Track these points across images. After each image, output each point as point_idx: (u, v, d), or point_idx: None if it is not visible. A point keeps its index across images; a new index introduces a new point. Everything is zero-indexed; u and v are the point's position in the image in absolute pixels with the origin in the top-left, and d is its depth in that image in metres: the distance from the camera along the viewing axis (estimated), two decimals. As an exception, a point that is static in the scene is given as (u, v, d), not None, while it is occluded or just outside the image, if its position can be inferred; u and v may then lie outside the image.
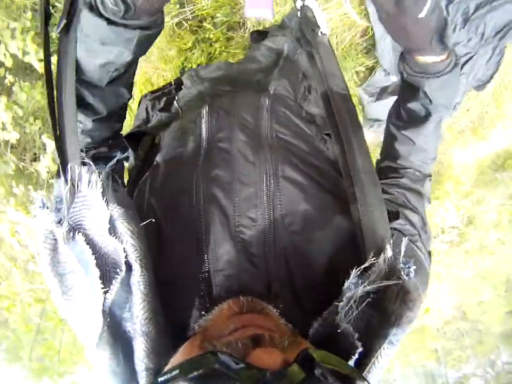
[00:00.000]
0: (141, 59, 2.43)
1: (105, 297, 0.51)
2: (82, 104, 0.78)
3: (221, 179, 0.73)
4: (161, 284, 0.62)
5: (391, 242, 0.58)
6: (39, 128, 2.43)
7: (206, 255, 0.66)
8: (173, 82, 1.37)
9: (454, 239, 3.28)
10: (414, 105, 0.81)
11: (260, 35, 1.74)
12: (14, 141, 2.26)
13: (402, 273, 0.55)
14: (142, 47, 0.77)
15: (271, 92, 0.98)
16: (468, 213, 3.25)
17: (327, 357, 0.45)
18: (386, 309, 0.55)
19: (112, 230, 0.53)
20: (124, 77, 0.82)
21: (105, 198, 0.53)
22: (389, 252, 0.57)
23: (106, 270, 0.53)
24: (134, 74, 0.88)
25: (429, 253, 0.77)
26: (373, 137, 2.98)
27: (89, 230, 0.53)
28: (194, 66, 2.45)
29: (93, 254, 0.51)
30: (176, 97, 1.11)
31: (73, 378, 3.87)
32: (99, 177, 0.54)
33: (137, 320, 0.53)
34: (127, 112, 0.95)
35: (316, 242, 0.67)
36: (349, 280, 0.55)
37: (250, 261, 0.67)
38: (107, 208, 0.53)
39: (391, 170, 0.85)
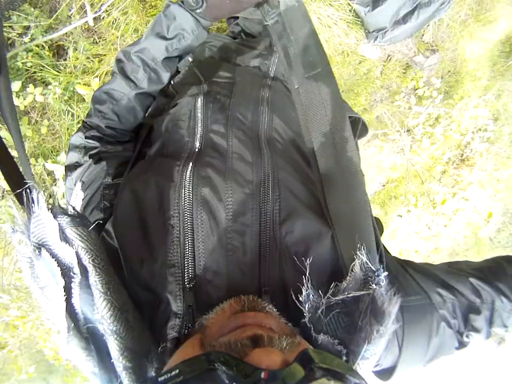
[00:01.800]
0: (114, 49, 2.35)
1: (72, 302, 0.53)
2: (124, 73, 0.90)
3: (213, 180, 0.69)
4: (143, 288, 0.65)
5: (365, 251, 0.59)
6: (43, 167, 2.38)
7: (191, 265, 0.64)
8: None
9: (491, 136, 3.18)
10: None
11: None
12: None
13: (371, 282, 0.56)
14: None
15: (272, 79, 0.95)
16: (492, 109, 3.14)
17: (326, 357, 0.46)
18: (357, 323, 0.56)
19: (65, 238, 0.56)
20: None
21: (51, 211, 0.56)
22: (360, 261, 0.58)
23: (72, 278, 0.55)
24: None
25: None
26: (380, 51, 2.89)
27: (52, 245, 0.55)
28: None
29: (58, 266, 0.53)
30: (172, 81, 1.07)
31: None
32: (43, 196, 0.57)
33: (103, 320, 0.54)
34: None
35: (313, 252, 0.65)
36: (303, 293, 0.57)
37: (242, 270, 0.65)
38: (54, 219, 0.55)
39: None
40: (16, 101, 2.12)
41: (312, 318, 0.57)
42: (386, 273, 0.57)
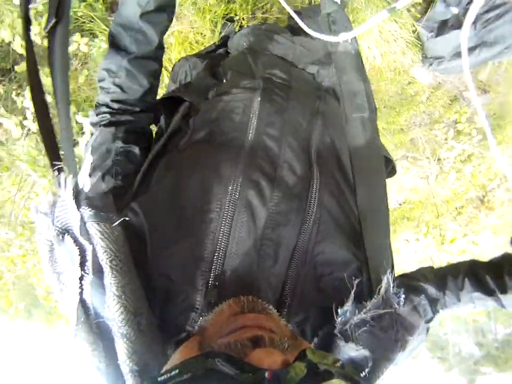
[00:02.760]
0: (174, 19, 2.32)
1: (83, 298, 0.53)
2: (114, 45, 0.84)
3: (261, 185, 0.68)
4: (162, 275, 0.63)
5: (389, 276, 0.64)
6: (74, 113, 2.31)
7: (220, 263, 0.63)
8: (217, 42, 1.37)
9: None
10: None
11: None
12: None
13: (393, 302, 0.62)
14: None
15: (325, 91, 0.94)
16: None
17: (326, 357, 0.46)
18: (390, 337, 0.61)
19: (85, 232, 0.54)
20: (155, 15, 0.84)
21: (75, 200, 0.54)
22: (385, 284, 0.63)
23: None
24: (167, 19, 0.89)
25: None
26: (432, 77, 2.84)
27: (76, 231, 0.54)
28: (239, 14, 2.31)
29: (80, 254, 0.53)
30: (221, 63, 1.03)
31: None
32: (72, 181, 0.56)
33: (114, 323, 0.53)
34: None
35: (337, 275, 0.67)
36: (344, 307, 0.62)
37: (269, 279, 0.65)
38: (77, 209, 0.54)
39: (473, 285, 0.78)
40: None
41: (340, 331, 0.61)
42: (404, 295, 0.64)
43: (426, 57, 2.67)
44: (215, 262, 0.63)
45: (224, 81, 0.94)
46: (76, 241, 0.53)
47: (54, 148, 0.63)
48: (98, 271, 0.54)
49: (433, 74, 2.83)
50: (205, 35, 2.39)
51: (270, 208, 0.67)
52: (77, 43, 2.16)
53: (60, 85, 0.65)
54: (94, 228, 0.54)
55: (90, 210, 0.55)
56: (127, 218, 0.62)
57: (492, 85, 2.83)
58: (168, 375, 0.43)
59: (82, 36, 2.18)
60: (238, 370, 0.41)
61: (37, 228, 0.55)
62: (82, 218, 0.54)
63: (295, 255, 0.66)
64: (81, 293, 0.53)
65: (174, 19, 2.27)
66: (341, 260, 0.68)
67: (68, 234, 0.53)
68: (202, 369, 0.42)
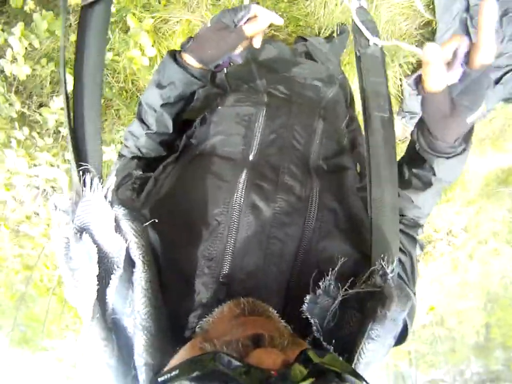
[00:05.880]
0: (189, 8, 2.17)
1: (105, 292, 0.54)
2: (140, 116, 0.92)
3: (264, 188, 0.73)
4: (177, 273, 0.65)
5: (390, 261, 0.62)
6: (51, 73, 2.22)
7: (229, 262, 0.66)
8: None
9: (457, 243, 3.41)
10: (418, 172, 0.80)
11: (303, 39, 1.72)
12: (23, 77, 2.01)
13: (381, 280, 0.60)
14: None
15: (323, 109, 0.98)
16: (468, 221, 3.38)
17: (326, 357, 0.46)
18: (365, 309, 0.59)
19: (117, 229, 0.57)
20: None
21: (108, 200, 0.57)
22: (388, 271, 0.61)
23: (110, 268, 0.55)
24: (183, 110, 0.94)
25: (415, 293, 0.78)
26: (401, 129, 3.03)
27: (94, 231, 0.56)
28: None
29: (97, 253, 0.54)
30: (225, 69, 1.06)
31: (56, 354, 3.60)
32: (101, 183, 0.58)
33: (137, 315, 0.54)
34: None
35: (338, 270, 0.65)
36: (324, 284, 0.60)
37: (274, 275, 0.67)
38: (111, 209, 0.57)
39: None
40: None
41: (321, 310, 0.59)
42: (397, 271, 0.62)
43: (403, 110, 2.87)
44: (224, 261, 0.66)
45: (228, 87, 1.01)
46: (93, 240, 0.55)
47: (79, 146, 0.62)
48: (128, 267, 0.56)
49: (403, 127, 3.04)
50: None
51: (274, 208, 0.71)
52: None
53: (92, 72, 0.63)
54: (128, 226, 0.57)
55: (124, 209, 0.58)
56: (156, 220, 0.64)
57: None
58: (168, 375, 0.43)
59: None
60: (238, 370, 0.41)
61: (54, 223, 0.56)
62: (116, 217, 0.57)
63: (299, 252, 0.68)
64: (102, 289, 0.53)
65: (188, 8, 2.23)
66: (341, 255, 0.66)
67: (86, 233, 0.55)
68: (203, 370, 0.42)
